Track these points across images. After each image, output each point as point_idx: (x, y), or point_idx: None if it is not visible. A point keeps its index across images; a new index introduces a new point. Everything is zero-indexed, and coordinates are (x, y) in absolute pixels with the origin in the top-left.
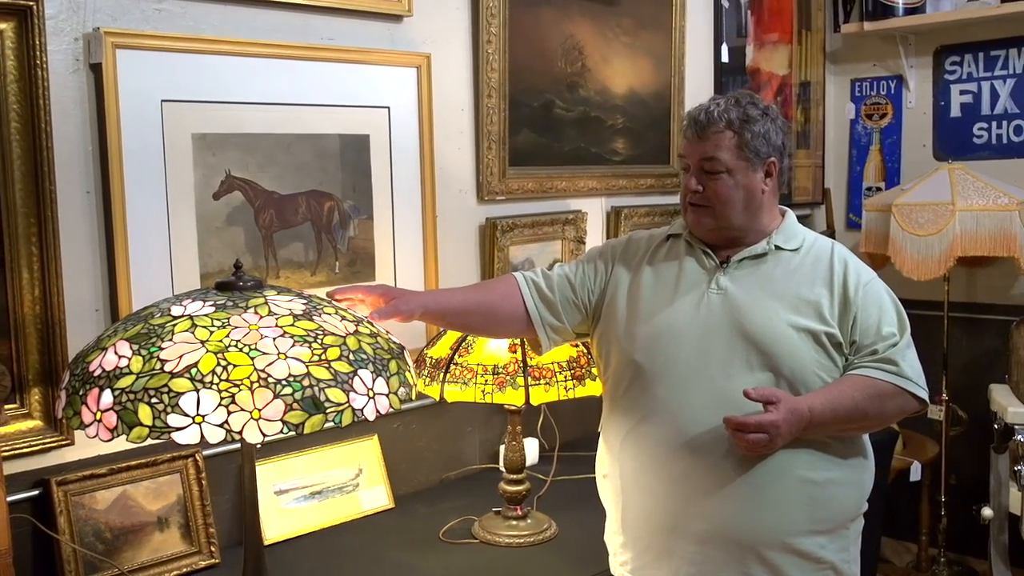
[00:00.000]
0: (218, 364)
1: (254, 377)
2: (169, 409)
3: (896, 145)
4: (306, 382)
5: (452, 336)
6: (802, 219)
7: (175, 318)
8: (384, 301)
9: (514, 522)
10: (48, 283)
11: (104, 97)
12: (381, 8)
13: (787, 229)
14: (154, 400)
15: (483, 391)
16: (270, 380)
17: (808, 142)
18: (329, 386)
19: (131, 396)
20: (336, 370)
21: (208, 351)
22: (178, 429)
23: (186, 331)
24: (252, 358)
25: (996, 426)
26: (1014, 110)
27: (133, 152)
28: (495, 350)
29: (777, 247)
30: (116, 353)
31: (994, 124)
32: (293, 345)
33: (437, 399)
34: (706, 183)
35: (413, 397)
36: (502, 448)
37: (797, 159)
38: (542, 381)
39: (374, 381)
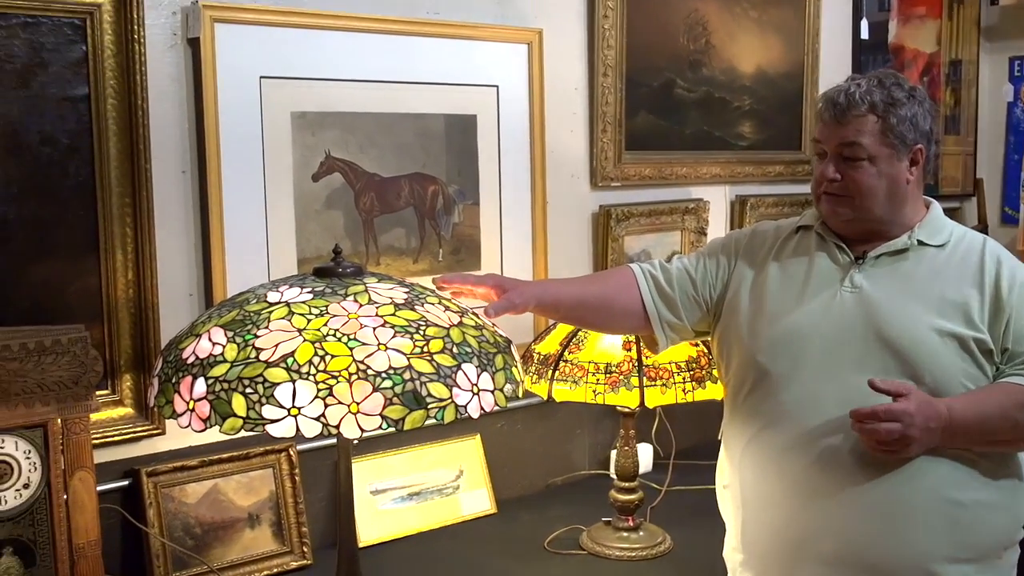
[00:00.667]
0: (315, 354)
1: (353, 369)
2: (264, 400)
3: None
4: (407, 375)
5: (562, 331)
6: (949, 212)
7: (271, 305)
8: (496, 293)
9: (625, 534)
10: (142, 266)
11: (201, 73)
12: None
13: (932, 223)
14: (248, 390)
15: (594, 391)
16: (369, 372)
17: (958, 127)
18: (431, 380)
19: (225, 385)
20: (439, 363)
21: (305, 340)
22: (273, 421)
23: (282, 319)
24: (351, 348)
25: None
26: None
27: (230, 130)
28: (608, 347)
29: (920, 242)
30: (210, 340)
31: None
32: (394, 336)
33: (545, 398)
34: (844, 171)
35: (520, 395)
36: (613, 453)
37: (945, 146)
38: (658, 382)
39: (479, 376)
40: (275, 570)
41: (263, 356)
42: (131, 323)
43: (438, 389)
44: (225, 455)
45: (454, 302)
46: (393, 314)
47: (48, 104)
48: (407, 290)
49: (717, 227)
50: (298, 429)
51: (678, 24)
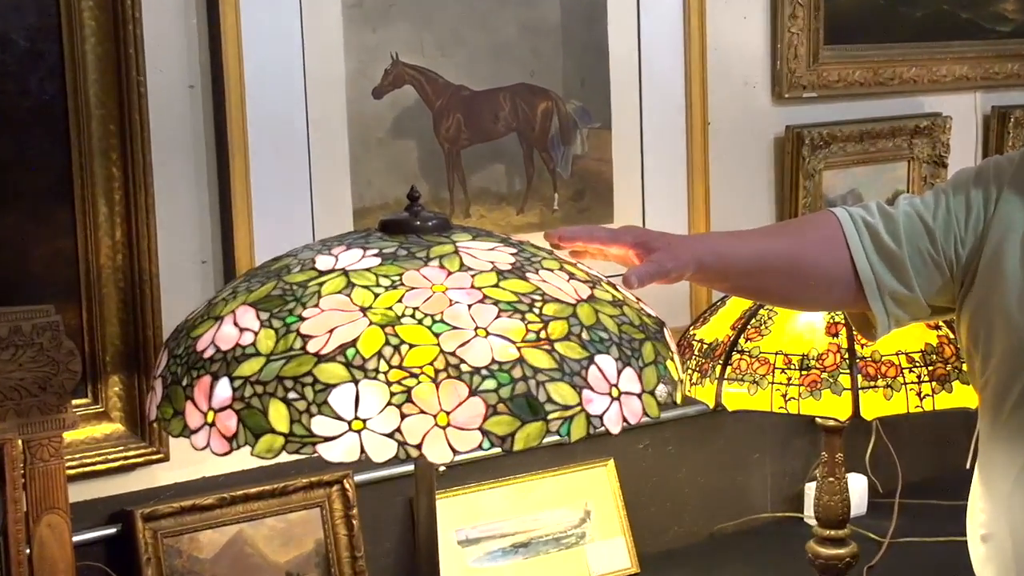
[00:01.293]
0: (387, 343)
1: (440, 364)
2: (314, 409)
3: None
4: (517, 372)
5: (736, 307)
6: None
7: (322, 274)
8: (638, 254)
9: None
10: (134, 221)
11: None
12: None
13: None
14: (292, 395)
15: (784, 395)
16: (464, 369)
17: None
18: (552, 379)
19: (259, 388)
20: (563, 356)
21: (372, 323)
22: (327, 439)
23: (339, 293)
24: (437, 335)
25: None
26: None
27: (256, 27)
28: (804, 330)
29: None
30: (236, 325)
31: None
32: (498, 316)
33: (711, 406)
34: None
35: (678, 400)
36: (810, 488)
37: None
38: (880, 382)
39: (620, 373)
40: None
41: (312, 347)
42: (120, 301)
43: (562, 392)
44: (254, 490)
45: (581, 266)
46: (496, 285)
47: None
48: (515, 250)
49: (963, 155)
50: (362, 450)
51: None
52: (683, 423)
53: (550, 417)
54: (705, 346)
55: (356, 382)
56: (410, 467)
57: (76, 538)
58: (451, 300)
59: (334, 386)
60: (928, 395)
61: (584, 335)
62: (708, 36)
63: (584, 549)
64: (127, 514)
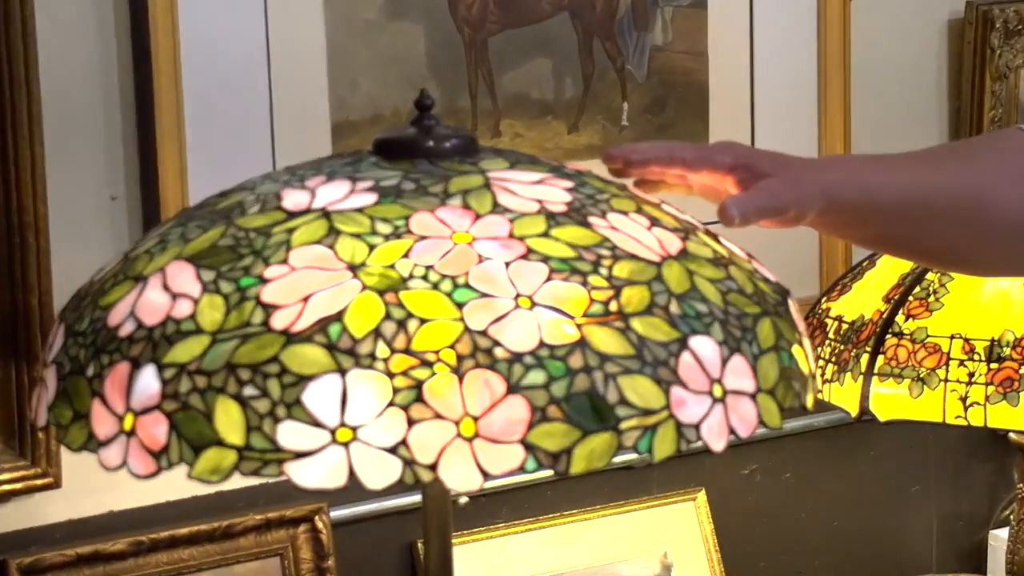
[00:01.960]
0: (387, 317)
1: (465, 347)
2: (282, 411)
3: None
4: (576, 360)
5: (890, 269)
6: None
7: (291, 215)
8: (741, 182)
9: None
10: (10, 138)
11: None
12: None
13: None
14: (250, 391)
15: (963, 398)
16: (499, 355)
17: None
18: (627, 371)
19: (200, 382)
20: (642, 336)
21: (366, 288)
22: (300, 455)
23: (317, 243)
24: (460, 305)
25: None
26: None
27: None
28: (993, 300)
29: None
30: (166, 289)
31: None
32: (549, 279)
33: (853, 414)
34: None
35: (808, 404)
36: (998, 537)
37: None
38: None
39: (725, 364)
40: None
41: (278, 321)
42: None
43: (642, 390)
44: (185, 530)
45: (668, 207)
46: (545, 234)
47: None
48: (571, 184)
49: None
50: (351, 472)
51: None
52: (810, 439)
53: (623, 426)
54: (845, 326)
55: (343, 373)
56: (416, 498)
57: None
58: (480, 256)
59: (311, 378)
60: None
61: (673, 308)
62: None
63: None
64: (0, 564)
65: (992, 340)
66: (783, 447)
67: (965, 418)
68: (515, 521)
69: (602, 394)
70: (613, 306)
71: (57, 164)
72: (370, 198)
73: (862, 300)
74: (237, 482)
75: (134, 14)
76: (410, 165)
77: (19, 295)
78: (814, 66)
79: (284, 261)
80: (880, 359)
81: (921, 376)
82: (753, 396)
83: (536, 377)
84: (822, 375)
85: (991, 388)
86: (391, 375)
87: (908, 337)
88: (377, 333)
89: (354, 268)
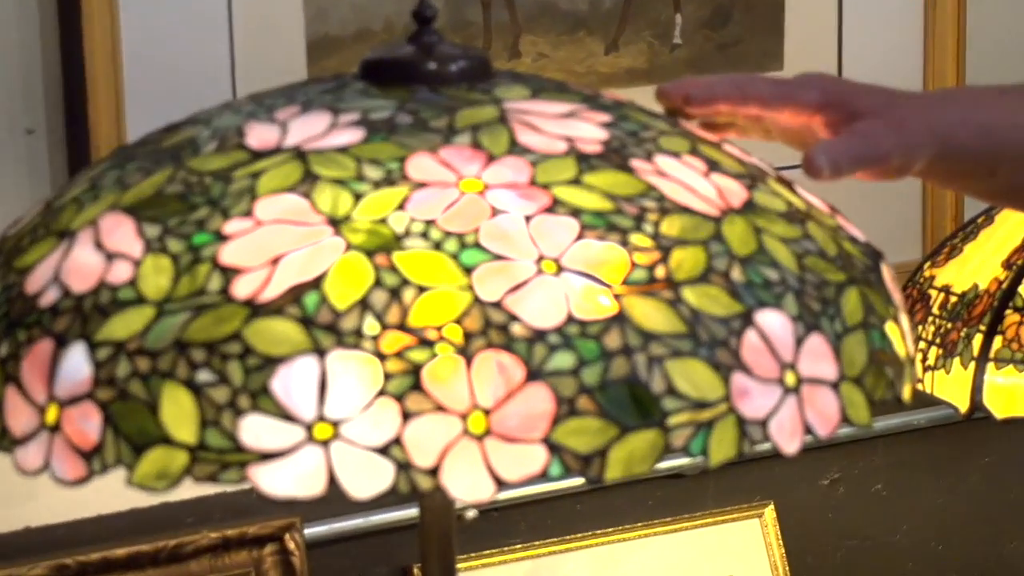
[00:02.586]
0: (378, 284)
1: (474, 322)
2: (245, 401)
3: None
4: (614, 340)
5: (1010, 229)
6: None
7: (257, 156)
8: (831, 123)
9: None
10: None
11: None
12: None
13: None
14: (205, 376)
15: None
16: (516, 332)
17: None
18: (677, 353)
19: (143, 364)
20: (696, 310)
21: (351, 247)
22: (267, 456)
23: (290, 191)
24: (469, 270)
25: None
26: None
27: None
28: None
29: None
30: (100, 247)
31: None
32: (579, 237)
33: (962, 410)
34: None
35: (906, 397)
36: None
37: None
38: None
39: (800, 344)
40: None
41: (241, 289)
42: None
43: (695, 376)
44: (123, 551)
45: (729, 148)
46: (576, 181)
47: None
48: (608, 117)
49: None
50: (331, 477)
51: None
52: (907, 441)
53: (671, 422)
54: (954, 299)
55: (321, 354)
56: (413, 511)
57: None
58: (494, 208)
59: (282, 360)
60: None
61: (735, 274)
62: None
63: None
64: None
65: None
66: (873, 451)
67: None
68: (536, 541)
69: (645, 382)
70: (660, 272)
71: None
72: (356, 135)
73: (976, 266)
74: (188, 490)
75: None
76: (406, 93)
77: None
78: None
79: (248, 213)
80: (997, 341)
81: None
82: (835, 385)
83: (563, 360)
84: (923, 360)
85: None
86: (382, 357)
87: None
88: (364, 304)
89: (336, 223)
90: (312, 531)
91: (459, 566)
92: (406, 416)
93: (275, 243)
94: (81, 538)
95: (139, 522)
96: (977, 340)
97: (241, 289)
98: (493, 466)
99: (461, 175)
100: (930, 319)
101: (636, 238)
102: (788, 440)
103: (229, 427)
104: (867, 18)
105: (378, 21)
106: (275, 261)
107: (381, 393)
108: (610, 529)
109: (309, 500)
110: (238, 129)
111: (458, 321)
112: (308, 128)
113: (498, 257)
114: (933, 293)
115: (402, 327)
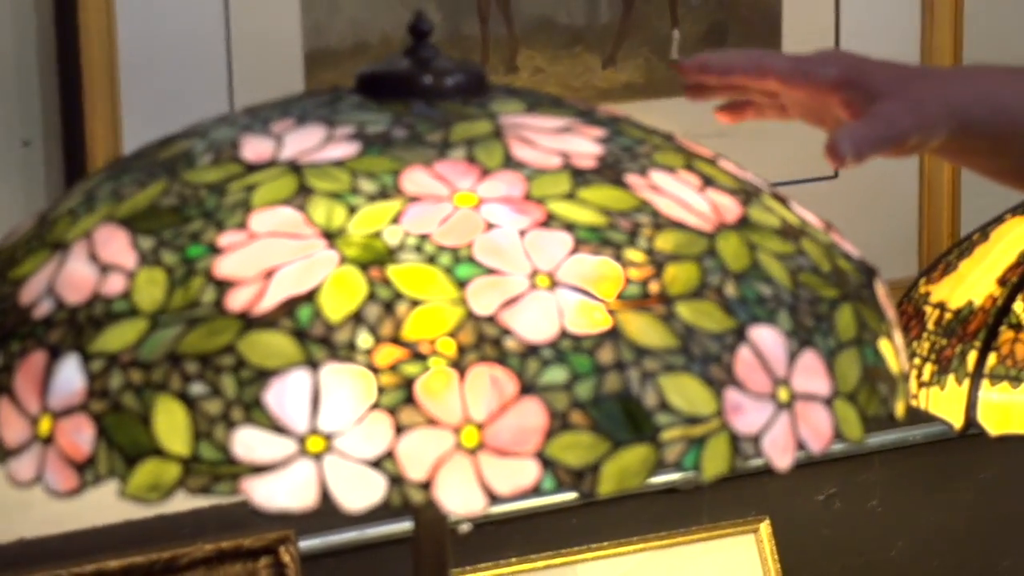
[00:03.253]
0: (372, 298)
1: (468, 336)
2: (238, 413)
3: None
4: (607, 355)
5: (1010, 245)
6: None
7: (252, 168)
8: (848, 102)
9: None
10: None
11: None
12: None
13: None
14: (198, 389)
15: None
16: (509, 346)
17: None
18: (670, 368)
19: (136, 377)
20: (689, 325)
21: (346, 260)
22: (260, 469)
23: (284, 204)
24: (463, 284)
25: None
26: None
27: None
28: None
29: None
30: (94, 259)
31: None
32: (573, 251)
33: (956, 426)
34: None
35: (899, 413)
36: None
37: None
38: None
39: (794, 360)
40: None
41: (235, 302)
42: None
43: (688, 392)
44: (116, 563)
45: (725, 164)
46: (570, 196)
47: None
48: (603, 132)
49: None
50: (324, 490)
51: None
52: (902, 457)
53: (664, 437)
54: (949, 315)
55: (315, 367)
56: (406, 524)
57: None
58: (488, 222)
59: (275, 373)
60: None
61: (729, 290)
62: None
63: None
64: None
65: None
66: (867, 467)
67: None
68: (530, 555)
69: (638, 397)
70: (654, 287)
71: None
72: (351, 148)
73: (971, 283)
74: (183, 502)
75: None
76: (402, 107)
77: None
78: None
79: (242, 226)
80: (992, 357)
81: None
82: (828, 401)
83: (556, 375)
84: (918, 376)
85: None
86: (375, 370)
87: None
88: (358, 318)
89: (330, 236)
90: (307, 544)
91: None
92: (399, 429)
93: (269, 256)
94: (75, 550)
95: (134, 534)
96: (972, 357)
97: (235, 302)
98: (486, 480)
99: (455, 189)
100: (925, 335)
101: (630, 253)
102: (781, 456)
103: (222, 439)
104: (864, 35)
105: (375, 35)
106: (269, 274)
107: (374, 406)
108: (605, 544)
109: (302, 513)
110: (233, 142)
111: (451, 335)
112: (303, 141)
113: (492, 271)
114: (928, 309)
115: (395, 340)
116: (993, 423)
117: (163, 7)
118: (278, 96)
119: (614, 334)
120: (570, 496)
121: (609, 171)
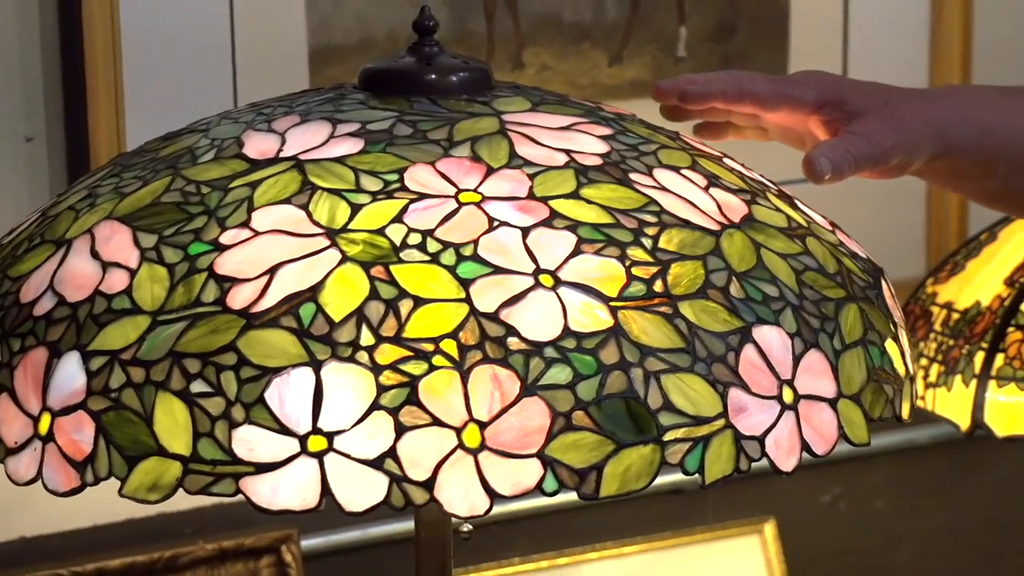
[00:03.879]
0: (374, 296)
1: (471, 335)
2: (239, 413)
3: None
4: (610, 354)
5: (1018, 244)
6: None
7: (255, 165)
8: (828, 122)
9: None
10: None
11: None
12: None
13: None
14: (199, 387)
15: None
16: (513, 345)
17: None
18: (674, 368)
19: (137, 375)
20: (694, 325)
21: (348, 259)
22: (261, 468)
23: (287, 202)
24: (466, 283)
25: None
26: None
27: None
28: None
29: None
30: (96, 256)
31: None
32: (577, 250)
33: (963, 428)
34: None
35: (905, 414)
36: None
37: None
38: None
39: (798, 361)
40: None
41: (237, 299)
42: None
43: (692, 392)
44: (117, 562)
45: (731, 164)
46: (575, 194)
47: None
48: (609, 130)
49: None
50: (326, 490)
51: None
52: (907, 459)
53: (668, 438)
54: (956, 316)
55: (317, 366)
56: (408, 524)
57: None
58: (492, 220)
59: (277, 372)
60: None
61: (734, 290)
62: None
63: None
64: None
65: None
66: (873, 468)
67: None
68: (533, 555)
69: (642, 397)
70: (658, 286)
71: None
72: (355, 145)
73: (978, 283)
74: (185, 501)
75: None
76: (406, 104)
77: None
78: None
79: (245, 223)
80: (999, 358)
81: None
82: (833, 403)
83: (559, 374)
84: (924, 378)
85: None
86: (377, 369)
87: None
88: (360, 316)
89: (333, 234)
90: (309, 543)
91: None
92: (401, 429)
93: (272, 254)
94: (76, 548)
95: (135, 533)
96: (979, 358)
97: (236, 300)
98: (488, 480)
99: (459, 187)
100: (932, 336)
101: (634, 252)
102: (785, 457)
103: (223, 439)
104: (872, 32)
105: (381, 31)
106: (271, 272)
107: (376, 406)
108: (608, 544)
109: (303, 513)
110: (236, 139)
111: (454, 334)
112: (307, 138)
113: (495, 270)
114: (935, 310)
115: (398, 339)
116: (1000, 424)
117: (167, 3)
118: (282, 92)
119: (617, 333)
120: (573, 497)
121: (614, 169)
